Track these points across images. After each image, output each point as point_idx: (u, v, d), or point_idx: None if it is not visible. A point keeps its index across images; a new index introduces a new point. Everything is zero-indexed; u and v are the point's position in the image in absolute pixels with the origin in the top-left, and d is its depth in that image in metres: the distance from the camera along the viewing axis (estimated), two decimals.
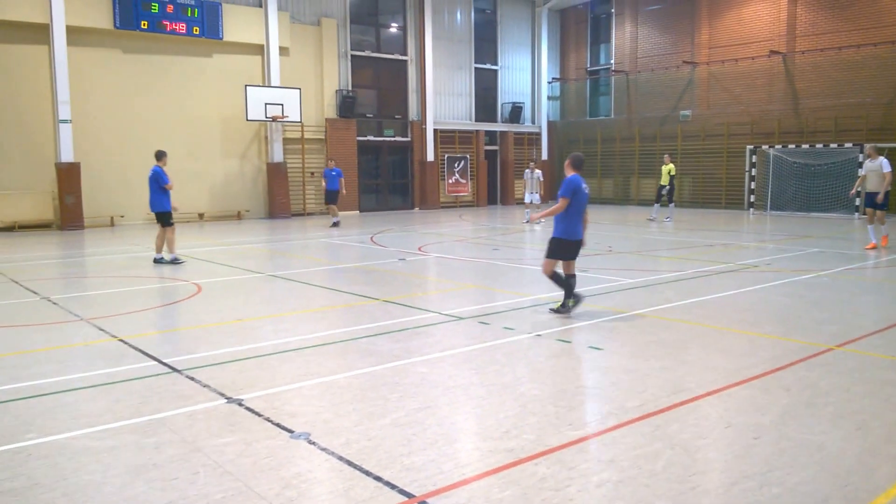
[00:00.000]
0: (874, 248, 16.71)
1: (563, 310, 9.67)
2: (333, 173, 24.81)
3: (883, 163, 16.65)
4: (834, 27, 28.50)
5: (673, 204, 26.38)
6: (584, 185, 9.68)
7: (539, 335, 8.54)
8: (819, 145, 27.76)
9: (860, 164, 25.88)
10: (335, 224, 24.77)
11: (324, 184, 25.53)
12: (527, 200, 25.97)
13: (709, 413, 5.89)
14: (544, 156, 38.49)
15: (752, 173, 29.50)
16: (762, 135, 30.40)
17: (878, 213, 16.86)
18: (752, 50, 30.77)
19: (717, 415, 5.85)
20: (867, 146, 17.58)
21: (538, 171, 25.85)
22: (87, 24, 24.86)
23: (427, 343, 8.32)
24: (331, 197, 25.03)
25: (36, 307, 10.87)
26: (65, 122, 24.20)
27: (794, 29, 29.58)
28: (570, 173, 9.77)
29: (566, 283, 9.73)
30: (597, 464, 4.93)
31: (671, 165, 25.73)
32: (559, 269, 9.87)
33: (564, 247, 9.73)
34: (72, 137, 24.40)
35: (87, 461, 5.02)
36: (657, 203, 26.03)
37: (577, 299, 9.74)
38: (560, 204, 9.58)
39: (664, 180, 25.70)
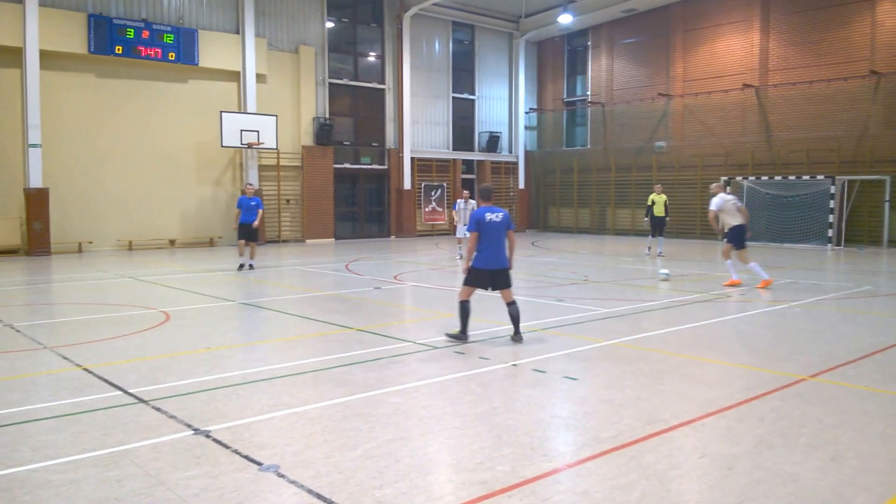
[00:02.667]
0: (737, 284, 15.72)
1: (459, 337, 9.92)
2: (252, 203, 19.65)
3: (712, 200, 15.98)
4: (805, 62, 28.95)
5: (663, 238, 23.95)
6: (490, 215, 9.85)
7: (515, 365, 8.47)
8: (791, 177, 28.09)
9: (831, 196, 26.27)
10: (249, 266, 19.52)
11: (236, 216, 19.75)
12: (459, 235, 22.48)
13: (683, 443, 5.83)
14: (521, 185, 38.64)
15: None
16: (736, 166, 30.71)
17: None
18: (726, 83, 31.16)
19: (691, 445, 5.79)
20: (713, 185, 16.78)
21: (472, 202, 21.96)
22: (61, 48, 24.74)
23: (401, 373, 8.22)
24: (247, 232, 19.54)
25: None
26: (34, 146, 23.98)
27: (766, 63, 30.00)
28: (479, 205, 10.16)
29: (463, 314, 9.91)
30: (571, 495, 4.84)
31: (665, 196, 23.74)
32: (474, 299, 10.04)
33: (481, 276, 9.86)
34: (41, 162, 24.18)
35: (46, 495, 4.87)
36: (659, 236, 23.49)
37: (462, 337, 9.93)
38: (471, 240, 9.82)
39: (660, 211, 23.34)
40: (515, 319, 9.90)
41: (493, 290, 10.00)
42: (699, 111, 32.29)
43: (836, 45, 28.16)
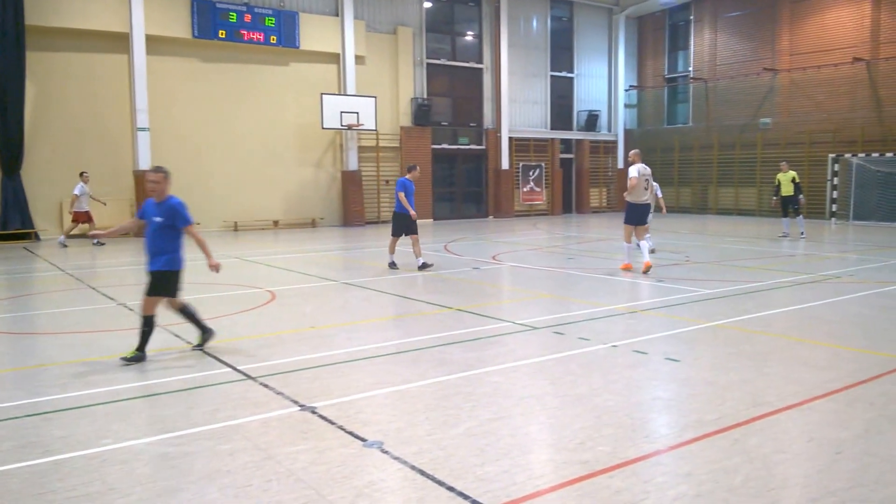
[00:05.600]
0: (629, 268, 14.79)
1: (138, 359, 7.86)
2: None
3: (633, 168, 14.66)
4: None
5: (802, 217, 22.15)
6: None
7: (615, 346, 8.41)
8: None
9: None
10: (422, 265, 15.50)
11: (408, 209, 15.40)
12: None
13: (789, 427, 5.74)
14: (620, 164, 38.13)
15: (835, 182, 28.75)
16: (845, 143, 29.65)
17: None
18: (835, 57, 30.07)
19: (797, 429, 5.69)
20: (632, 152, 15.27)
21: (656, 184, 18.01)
22: (166, 33, 25.46)
23: (501, 353, 8.26)
24: (405, 224, 15.67)
25: (111, 314, 11.11)
26: (143, 130, 24.76)
27: (877, 35, 28.85)
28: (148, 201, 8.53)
29: (149, 330, 8.04)
30: (673, 477, 4.82)
31: (793, 173, 22.24)
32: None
33: (179, 279, 8.33)
34: (149, 145, 24.91)
35: (162, 467, 5.09)
36: (796, 217, 22.03)
37: (208, 334, 8.53)
38: (196, 232, 8.40)
39: (787, 190, 21.89)
40: (197, 319, 8.53)
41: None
42: (806, 86, 31.25)
43: None
